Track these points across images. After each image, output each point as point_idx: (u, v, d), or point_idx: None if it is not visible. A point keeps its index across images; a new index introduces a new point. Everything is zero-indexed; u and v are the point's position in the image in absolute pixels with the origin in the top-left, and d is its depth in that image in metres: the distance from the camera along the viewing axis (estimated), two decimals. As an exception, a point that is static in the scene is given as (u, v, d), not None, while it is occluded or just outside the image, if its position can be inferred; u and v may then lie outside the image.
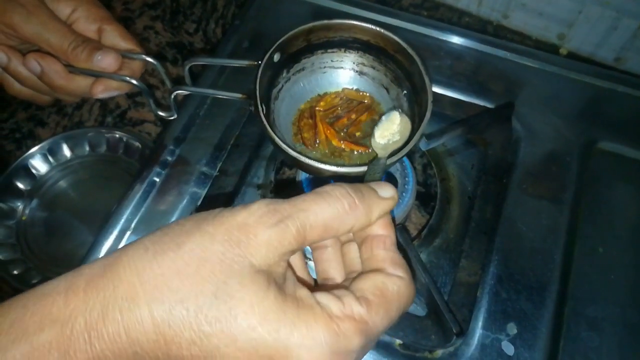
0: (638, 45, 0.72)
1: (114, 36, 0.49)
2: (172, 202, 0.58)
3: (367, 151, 0.51)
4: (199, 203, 0.58)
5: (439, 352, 0.50)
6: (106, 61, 0.47)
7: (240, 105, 0.64)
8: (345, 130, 0.52)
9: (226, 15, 0.86)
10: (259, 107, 0.45)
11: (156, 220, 0.57)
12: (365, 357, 0.49)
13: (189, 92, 0.53)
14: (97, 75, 0.47)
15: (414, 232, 0.60)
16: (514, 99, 0.65)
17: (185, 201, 0.58)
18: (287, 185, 0.64)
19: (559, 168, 0.61)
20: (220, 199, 0.57)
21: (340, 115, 0.53)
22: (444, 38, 0.71)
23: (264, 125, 0.44)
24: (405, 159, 0.55)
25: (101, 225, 0.56)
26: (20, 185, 0.71)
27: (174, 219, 0.57)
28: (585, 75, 0.68)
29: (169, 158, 0.61)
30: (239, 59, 0.54)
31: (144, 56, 0.49)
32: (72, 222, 0.70)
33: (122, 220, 0.56)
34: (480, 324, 0.51)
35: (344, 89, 0.55)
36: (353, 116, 0.52)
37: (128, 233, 0.56)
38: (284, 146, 0.43)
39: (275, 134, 0.44)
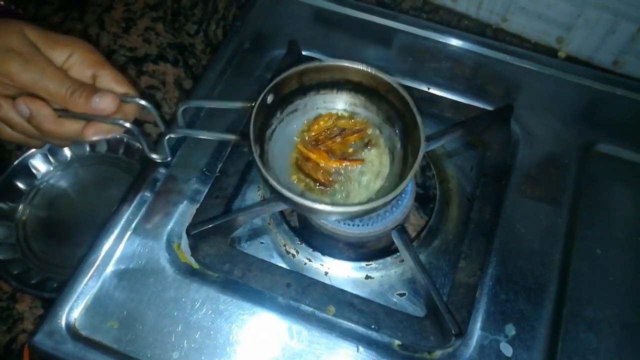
0: (636, 49, 0.72)
1: (109, 81, 0.49)
2: (172, 203, 0.58)
3: (362, 164, 0.52)
4: (199, 203, 0.58)
5: (438, 353, 0.50)
6: (104, 103, 0.47)
7: (240, 108, 0.64)
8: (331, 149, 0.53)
9: (227, 17, 0.86)
10: (254, 149, 0.45)
11: (156, 221, 0.57)
12: (364, 357, 0.50)
13: (182, 136, 0.53)
14: (89, 118, 0.47)
15: (413, 234, 0.60)
16: (513, 101, 0.65)
17: (185, 201, 0.58)
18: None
19: (558, 170, 0.62)
20: (220, 199, 0.58)
21: (323, 140, 0.53)
22: (444, 41, 0.72)
23: (258, 167, 0.45)
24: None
25: (102, 225, 0.56)
26: (21, 185, 0.71)
27: (174, 219, 0.57)
28: (584, 78, 0.69)
29: (170, 159, 0.61)
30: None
31: (137, 99, 0.49)
32: (72, 222, 0.70)
33: (123, 221, 0.57)
34: (479, 325, 0.52)
35: (336, 118, 0.55)
36: (338, 139, 0.53)
37: (129, 233, 0.56)
38: (277, 186, 0.44)
39: (269, 174, 0.45)
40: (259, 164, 0.45)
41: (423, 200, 0.63)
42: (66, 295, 0.52)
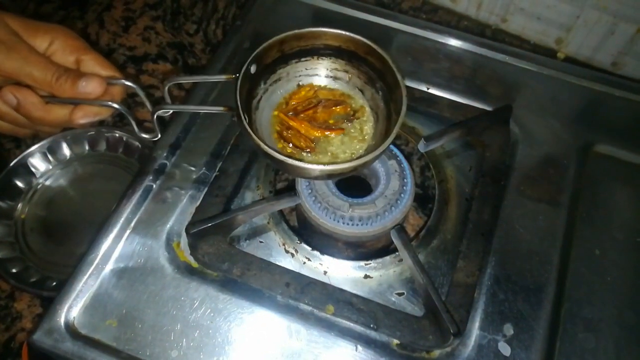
0: (635, 50, 0.73)
1: (93, 65, 0.49)
2: (171, 201, 0.58)
3: (343, 133, 0.53)
4: (198, 202, 0.58)
5: (436, 353, 0.50)
6: (91, 86, 0.47)
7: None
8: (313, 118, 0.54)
9: (227, 16, 0.87)
10: (242, 117, 0.46)
11: (156, 220, 0.57)
12: (362, 356, 0.50)
13: (170, 111, 0.54)
14: (77, 103, 0.47)
15: (412, 234, 0.60)
16: (512, 101, 0.65)
17: (184, 200, 0.58)
18: (286, 185, 0.64)
19: (556, 170, 0.62)
20: (219, 197, 0.58)
21: (302, 109, 0.54)
22: (443, 41, 0.72)
23: (249, 133, 0.45)
24: (403, 160, 0.56)
25: (101, 224, 0.56)
26: (20, 184, 0.71)
27: (173, 218, 0.57)
28: (583, 79, 0.69)
29: (169, 157, 0.61)
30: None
31: (123, 80, 0.49)
32: (71, 221, 0.70)
33: (122, 220, 0.57)
34: (477, 324, 0.52)
35: (316, 90, 0.56)
36: (319, 109, 0.54)
37: (127, 232, 0.56)
38: (269, 150, 0.45)
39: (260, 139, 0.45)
40: (249, 130, 0.45)
41: (422, 200, 0.63)
42: (65, 294, 0.52)
